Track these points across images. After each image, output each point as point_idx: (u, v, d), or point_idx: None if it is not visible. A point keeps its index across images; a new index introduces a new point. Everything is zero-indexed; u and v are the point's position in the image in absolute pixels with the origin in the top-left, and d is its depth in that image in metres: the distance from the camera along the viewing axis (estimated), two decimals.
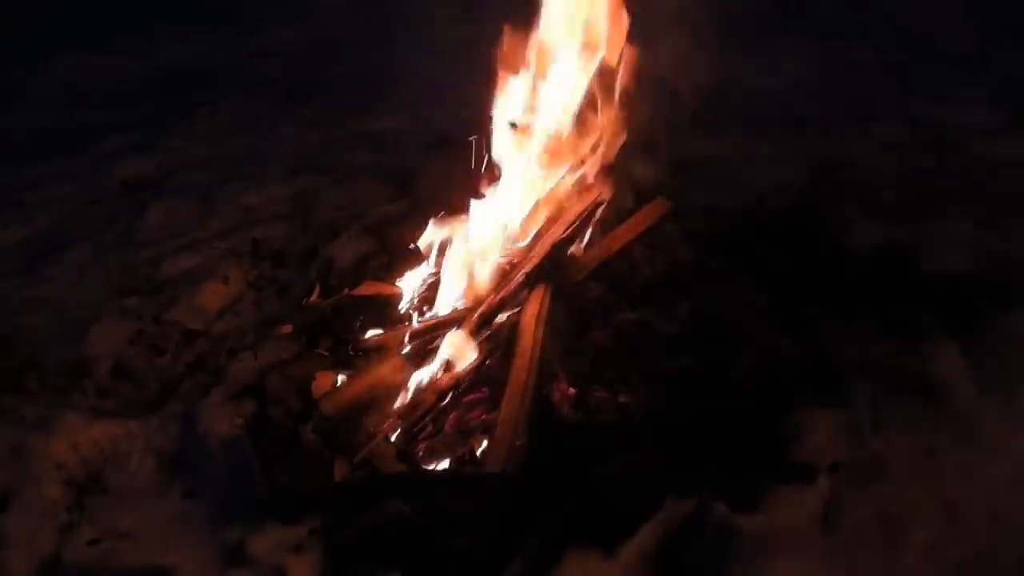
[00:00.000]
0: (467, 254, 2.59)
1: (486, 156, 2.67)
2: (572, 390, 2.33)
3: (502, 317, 2.42)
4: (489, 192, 2.64)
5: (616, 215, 2.75)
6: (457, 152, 2.78)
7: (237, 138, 4.94)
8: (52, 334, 2.89)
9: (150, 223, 3.83)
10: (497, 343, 2.37)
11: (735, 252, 2.94)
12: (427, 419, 2.24)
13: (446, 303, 2.58)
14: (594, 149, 2.65)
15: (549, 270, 2.48)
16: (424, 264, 2.80)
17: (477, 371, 2.33)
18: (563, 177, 2.65)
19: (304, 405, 2.31)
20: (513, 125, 2.55)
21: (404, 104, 4.87)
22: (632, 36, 2.53)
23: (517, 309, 2.41)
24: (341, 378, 2.37)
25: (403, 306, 2.71)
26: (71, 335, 2.85)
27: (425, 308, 2.66)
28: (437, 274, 2.72)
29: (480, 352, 2.34)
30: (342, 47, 6.50)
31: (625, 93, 2.59)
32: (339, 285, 2.97)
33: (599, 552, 1.85)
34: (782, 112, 4.39)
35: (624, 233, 2.71)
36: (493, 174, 2.66)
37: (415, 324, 2.52)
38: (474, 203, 2.64)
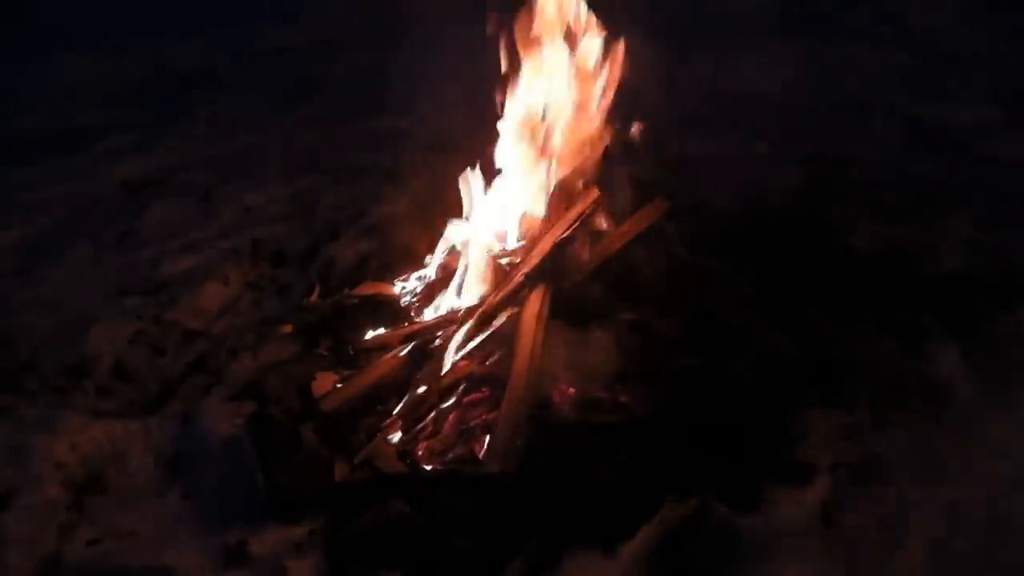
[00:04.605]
0: (467, 253, 2.59)
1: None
2: (572, 390, 2.33)
3: (502, 317, 2.42)
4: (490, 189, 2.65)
5: (616, 215, 2.75)
6: (457, 152, 2.78)
7: (237, 138, 4.94)
8: (52, 334, 2.89)
9: (150, 223, 3.83)
10: (497, 343, 2.36)
11: (735, 252, 2.94)
12: (427, 419, 2.24)
13: (446, 303, 2.58)
14: (592, 149, 2.66)
15: (549, 270, 2.48)
16: (424, 264, 2.81)
17: (477, 371, 2.33)
18: (563, 177, 2.66)
19: (304, 405, 2.31)
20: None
21: (404, 104, 4.86)
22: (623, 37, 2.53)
23: (517, 309, 2.41)
24: (341, 378, 2.37)
25: (403, 305, 2.71)
26: (71, 335, 2.85)
27: (425, 308, 2.66)
28: (437, 274, 2.72)
29: (480, 352, 2.34)
30: (342, 47, 6.49)
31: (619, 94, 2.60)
32: (339, 285, 2.97)
33: (599, 552, 1.85)
34: (782, 112, 4.39)
35: (624, 233, 2.71)
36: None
37: (415, 324, 2.52)
38: (475, 202, 2.65)
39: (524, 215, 2.68)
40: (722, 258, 2.89)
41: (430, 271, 2.78)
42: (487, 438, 2.15)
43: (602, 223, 2.67)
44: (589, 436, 2.16)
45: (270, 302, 3.07)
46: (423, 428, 2.24)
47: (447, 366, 2.31)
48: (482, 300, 2.45)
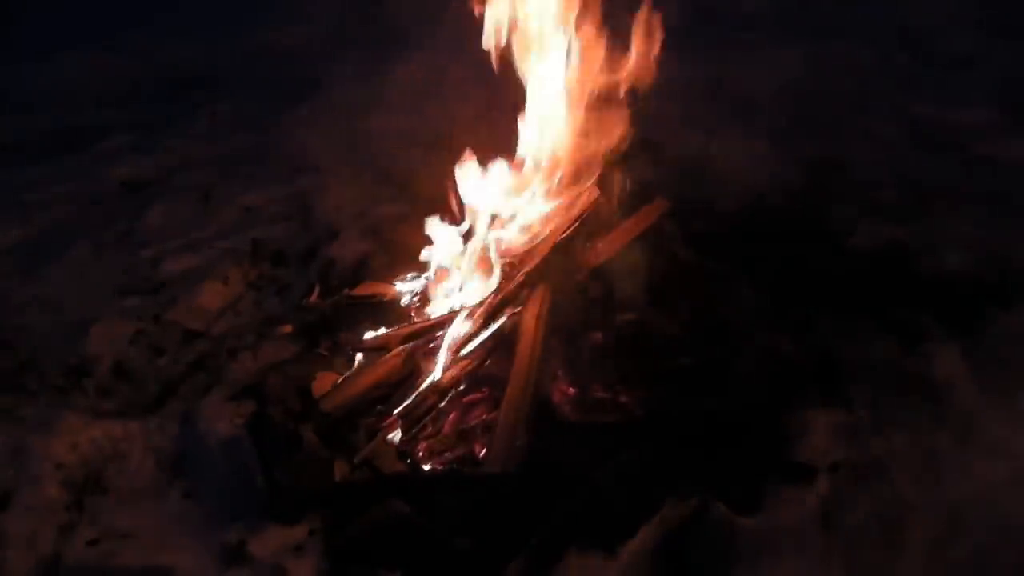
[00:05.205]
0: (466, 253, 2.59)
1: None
2: (572, 390, 2.33)
3: (502, 317, 2.42)
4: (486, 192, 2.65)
5: (616, 215, 2.75)
6: (457, 152, 2.78)
7: (237, 138, 4.94)
8: (52, 334, 2.89)
9: (150, 223, 3.83)
10: (497, 343, 2.36)
11: (735, 252, 2.94)
12: (427, 419, 2.24)
13: (446, 303, 2.58)
14: (594, 148, 2.66)
15: (549, 270, 2.48)
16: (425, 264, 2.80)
17: (477, 371, 2.33)
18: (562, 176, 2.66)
19: (304, 405, 2.31)
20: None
21: (404, 104, 4.86)
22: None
23: (517, 309, 2.41)
24: (341, 378, 2.37)
25: (403, 305, 2.71)
26: (71, 335, 2.85)
27: (425, 308, 2.66)
28: (437, 274, 2.72)
29: (480, 352, 2.34)
30: (342, 47, 6.49)
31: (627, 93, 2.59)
32: (339, 285, 2.97)
33: (599, 552, 1.85)
34: (782, 112, 4.39)
35: (624, 233, 2.71)
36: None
37: (415, 324, 2.52)
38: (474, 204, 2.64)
39: (524, 215, 2.68)
40: (722, 258, 2.89)
41: (430, 271, 2.78)
42: (487, 438, 2.15)
43: (603, 223, 2.67)
44: (589, 436, 2.16)
45: (270, 302, 3.07)
46: (423, 428, 2.24)
47: (446, 367, 2.31)
48: (482, 300, 2.45)
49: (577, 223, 2.57)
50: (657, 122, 2.99)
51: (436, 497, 1.99)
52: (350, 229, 3.43)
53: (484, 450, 2.14)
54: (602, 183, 2.64)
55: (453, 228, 2.71)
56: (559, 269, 2.50)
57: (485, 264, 2.55)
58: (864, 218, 3.25)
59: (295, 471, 2.09)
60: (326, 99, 5.44)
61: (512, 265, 2.53)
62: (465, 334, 2.35)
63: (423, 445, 2.21)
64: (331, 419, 2.18)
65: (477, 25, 2.54)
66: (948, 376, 2.35)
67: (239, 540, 1.97)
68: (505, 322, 2.41)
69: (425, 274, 2.79)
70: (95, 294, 3.19)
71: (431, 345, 2.39)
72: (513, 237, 2.65)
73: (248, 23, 7.39)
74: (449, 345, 2.34)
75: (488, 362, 2.36)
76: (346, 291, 2.85)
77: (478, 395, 2.34)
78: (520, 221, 2.66)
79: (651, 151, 3.29)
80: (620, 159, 2.67)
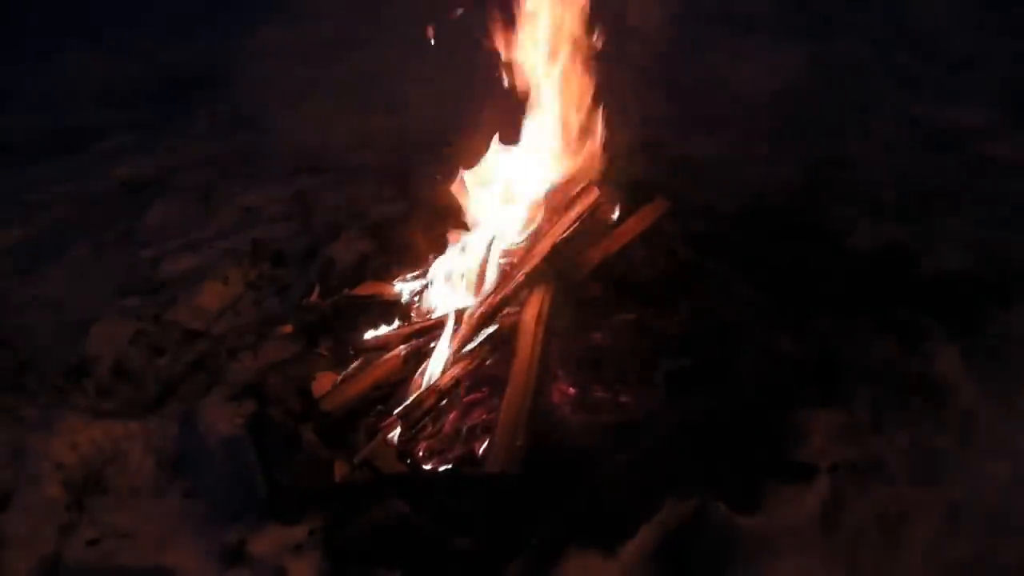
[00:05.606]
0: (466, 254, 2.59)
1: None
2: (572, 390, 2.33)
3: (502, 317, 2.42)
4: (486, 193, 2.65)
5: (616, 215, 2.75)
6: (457, 152, 2.78)
7: (237, 138, 4.94)
8: (52, 334, 2.89)
9: (150, 223, 3.83)
10: (497, 343, 2.36)
11: (736, 252, 2.94)
12: (427, 419, 2.24)
13: (446, 302, 2.58)
14: (592, 148, 2.66)
15: (549, 270, 2.48)
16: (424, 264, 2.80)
17: (477, 371, 2.33)
18: (562, 176, 2.66)
19: (304, 405, 2.31)
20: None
21: (404, 104, 4.87)
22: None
23: (517, 309, 2.41)
24: (341, 378, 2.37)
25: (403, 305, 2.71)
26: (71, 335, 2.85)
27: (425, 308, 2.66)
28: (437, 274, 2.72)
29: (480, 352, 2.34)
30: (342, 47, 6.49)
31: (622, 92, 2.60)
32: (339, 285, 2.97)
33: (599, 552, 1.85)
34: (782, 112, 4.39)
35: (624, 233, 2.71)
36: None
37: (415, 324, 2.52)
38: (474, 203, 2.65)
39: (525, 213, 2.68)
40: (722, 258, 2.89)
41: (431, 271, 2.78)
42: (487, 438, 2.15)
43: (602, 222, 2.67)
44: (589, 436, 2.16)
45: (270, 302, 3.07)
46: (423, 428, 2.24)
47: (446, 367, 2.31)
48: (482, 300, 2.45)
49: (577, 223, 2.57)
50: (657, 122, 2.99)
51: (436, 497, 1.99)
52: (350, 229, 3.43)
53: (484, 450, 2.14)
54: (601, 184, 2.65)
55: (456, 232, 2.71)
56: (559, 269, 2.50)
57: (485, 265, 2.55)
58: (864, 218, 3.26)
59: (295, 471, 2.09)
60: (326, 99, 5.44)
61: (512, 265, 2.53)
62: (465, 334, 2.35)
63: (423, 445, 2.21)
64: (331, 419, 2.18)
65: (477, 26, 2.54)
66: (948, 376, 2.35)
67: (239, 540, 1.97)
68: (505, 322, 2.40)
69: (426, 274, 2.79)
70: (95, 294, 3.19)
71: (431, 345, 2.39)
72: (513, 238, 2.65)
73: (248, 23, 7.39)
74: (449, 345, 2.34)
75: (488, 362, 2.35)
76: (346, 291, 2.85)
77: (478, 395, 2.34)
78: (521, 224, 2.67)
79: (651, 151, 3.29)
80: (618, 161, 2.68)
